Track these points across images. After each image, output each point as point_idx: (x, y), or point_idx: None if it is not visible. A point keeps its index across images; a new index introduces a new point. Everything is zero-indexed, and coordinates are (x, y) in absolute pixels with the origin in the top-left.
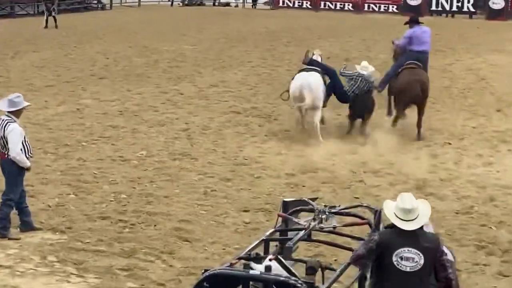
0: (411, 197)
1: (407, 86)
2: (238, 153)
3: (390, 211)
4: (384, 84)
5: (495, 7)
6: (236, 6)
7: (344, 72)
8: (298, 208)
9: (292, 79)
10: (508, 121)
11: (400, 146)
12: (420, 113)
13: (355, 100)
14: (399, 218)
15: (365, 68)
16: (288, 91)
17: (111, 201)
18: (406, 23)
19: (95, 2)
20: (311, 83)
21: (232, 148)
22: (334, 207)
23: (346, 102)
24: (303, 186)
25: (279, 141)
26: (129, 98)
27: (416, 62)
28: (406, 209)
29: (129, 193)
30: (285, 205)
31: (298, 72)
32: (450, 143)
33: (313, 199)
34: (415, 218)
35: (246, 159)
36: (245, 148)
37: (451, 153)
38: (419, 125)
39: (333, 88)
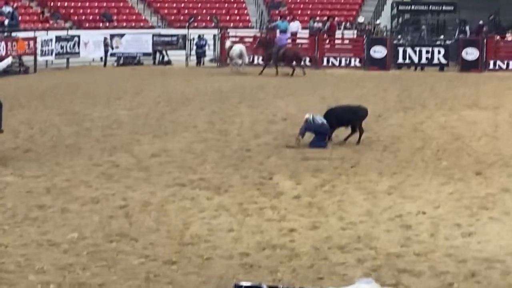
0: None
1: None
2: (184, 231)
3: None
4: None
5: (468, 58)
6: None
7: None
8: None
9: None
10: (488, 185)
11: (368, 217)
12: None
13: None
14: None
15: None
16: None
17: None
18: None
19: (17, 64)
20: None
21: (177, 226)
22: None
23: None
24: (259, 266)
25: (231, 216)
26: (57, 173)
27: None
28: None
29: (59, 283)
30: None
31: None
32: (424, 212)
33: None
34: None
35: (193, 238)
36: (192, 225)
37: (426, 223)
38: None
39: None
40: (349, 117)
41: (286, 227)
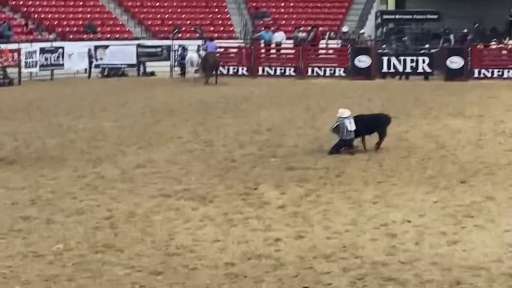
0: None
1: (209, 60)
2: (169, 242)
3: None
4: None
5: (453, 66)
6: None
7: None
8: None
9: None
10: (473, 193)
11: (353, 226)
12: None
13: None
14: None
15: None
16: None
17: None
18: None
19: (1, 76)
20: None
21: (163, 237)
22: None
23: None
24: (245, 276)
25: (216, 226)
26: (42, 185)
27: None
28: None
29: None
30: None
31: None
32: (409, 221)
33: None
34: None
35: (178, 248)
36: (177, 236)
37: (411, 231)
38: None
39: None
40: (375, 124)
41: (271, 236)
